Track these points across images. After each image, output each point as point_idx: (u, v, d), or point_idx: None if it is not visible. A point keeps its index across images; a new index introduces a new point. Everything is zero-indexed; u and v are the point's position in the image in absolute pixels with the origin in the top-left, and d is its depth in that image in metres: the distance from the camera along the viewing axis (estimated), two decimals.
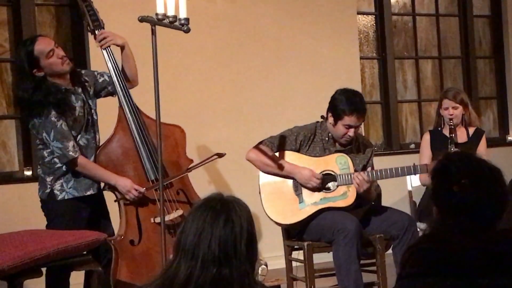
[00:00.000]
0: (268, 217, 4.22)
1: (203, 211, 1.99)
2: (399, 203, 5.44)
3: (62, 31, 5.57)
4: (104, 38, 3.99)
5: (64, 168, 3.84)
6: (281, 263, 4.64)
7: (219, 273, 1.93)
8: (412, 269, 2.12)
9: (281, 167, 4.20)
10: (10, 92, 5.35)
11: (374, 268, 4.25)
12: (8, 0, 5.37)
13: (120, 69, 4.03)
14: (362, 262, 4.19)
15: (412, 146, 6.71)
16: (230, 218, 1.97)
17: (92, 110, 3.99)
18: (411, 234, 4.12)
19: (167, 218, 3.85)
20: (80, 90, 3.94)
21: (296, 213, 4.18)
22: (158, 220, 3.83)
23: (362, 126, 4.42)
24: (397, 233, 4.15)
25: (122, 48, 4.04)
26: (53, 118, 3.75)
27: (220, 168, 5.67)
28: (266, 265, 4.71)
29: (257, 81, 5.99)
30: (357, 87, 6.38)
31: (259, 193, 4.26)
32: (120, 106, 4.01)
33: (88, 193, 3.88)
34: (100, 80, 4.07)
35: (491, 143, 6.60)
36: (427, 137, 5.05)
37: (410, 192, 5.10)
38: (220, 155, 4.09)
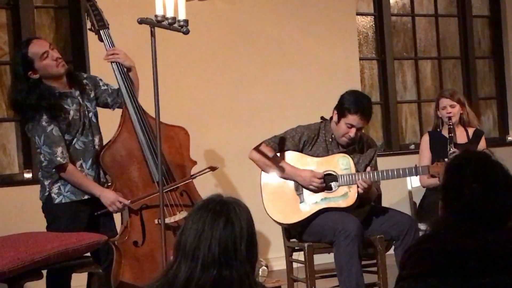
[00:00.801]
0: (269, 216, 4.22)
1: (203, 212, 1.99)
2: (399, 204, 5.44)
3: (61, 34, 5.57)
4: (113, 54, 3.99)
5: None
6: (281, 264, 4.64)
7: (220, 275, 1.93)
8: (412, 270, 2.11)
9: (282, 169, 4.21)
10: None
11: (374, 268, 4.25)
12: (7, 2, 5.37)
13: (125, 70, 4.02)
14: (362, 262, 4.19)
15: (412, 146, 6.71)
16: (230, 219, 1.97)
17: (91, 113, 3.96)
18: (413, 235, 4.12)
19: (172, 220, 3.85)
20: (77, 93, 3.93)
21: (297, 213, 4.18)
22: None
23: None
24: (398, 234, 4.15)
25: (129, 70, 4.03)
26: (43, 123, 3.75)
27: (221, 169, 5.67)
28: (267, 266, 4.71)
29: (257, 82, 5.99)
30: (357, 88, 6.37)
31: (261, 192, 4.26)
32: (125, 107, 3.99)
33: (86, 197, 3.86)
34: (103, 88, 4.05)
35: (491, 143, 6.60)
36: (426, 138, 5.05)
37: (410, 192, 5.10)
38: (213, 169, 4.08)
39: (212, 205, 2.00)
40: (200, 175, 4.08)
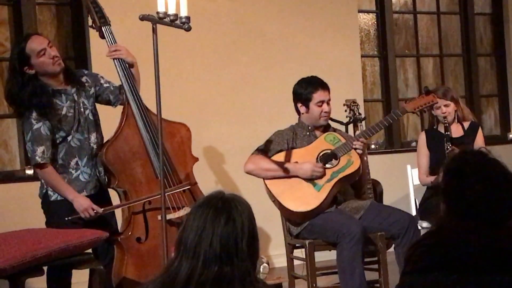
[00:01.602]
0: (292, 212, 4.17)
1: (204, 209, 1.99)
2: (400, 202, 5.44)
3: (63, 30, 5.57)
4: (116, 50, 3.99)
5: (56, 169, 3.83)
6: (282, 262, 4.65)
7: (221, 271, 1.93)
8: (416, 265, 2.11)
9: (281, 169, 4.21)
10: None
11: (375, 266, 4.25)
12: None
13: (127, 66, 4.02)
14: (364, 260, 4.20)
15: (413, 144, 6.70)
16: (231, 216, 1.97)
17: (87, 110, 3.94)
18: (412, 233, 4.12)
19: (175, 215, 3.85)
20: (73, 90, 3.91)
21: (316, 196, 4.17)
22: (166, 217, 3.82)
23: (364, 124, 4.43)
24: (398, 232, 4.14)
25: (131, 66, 4.03)
26: (32, 120, 3.76)
27: (222, 166, 5.68)
28: (268, 263, 4.71)
29: (258, 79, 5.99)
30: (358, 85, 6.39)
31: (271, 196, 4.23)
32: (128, 103, 3.99)
33: (82, 194, 3.85)
34: (105, 86, 4.04)
35: (492, 141, 6.62)
36: (423, 136, 5.06)
37: (411, 190, 5.10)
38: (192, 184, 4.03)
39: (214, 201, 1.99)
40: (179, 190, 3.98)
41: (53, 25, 5.54)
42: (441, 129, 4.86)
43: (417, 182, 5.07)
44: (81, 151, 3.89)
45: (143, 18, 3.62)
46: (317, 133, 4.38)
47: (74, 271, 3.79)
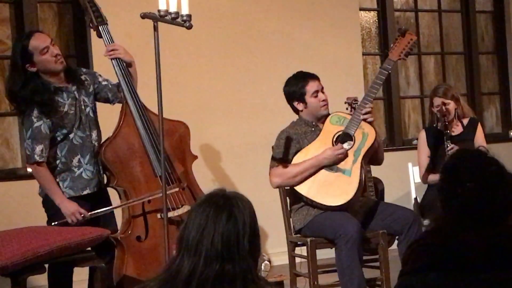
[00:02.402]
0: (335, 207, 4.12)
1: (206, 207, 1.99)
2: (401, 200, 5.44)
3: (64, 28, 5.57)
4: (113, 50, 3.99)
5: (59, 167, 3.84)
6: (284, 259, 4.65)
7: (222, 269, 1.93)
8: (414, 265, 2.12)
9: (306, 168, 4.17)
10: None
11: (377, 263, 4.25)
12: None
13: (125, 65, 4.02)
14: (365, 257, 4.20)
15: (415, 142, 6.68)
16: (233, 213, 1.97)
17: (88, 108, 3.95)
18: (416, 229, 4.12)
19: (175, 213, 3.86)
20: (74, 87, 3.92)
21: (351, 181, 4.14)
22: None
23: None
24: (401, 228, 4.14)
25: (129, 65, 4.03)
26: (33, 118, 3.75)
27: (222, 164, 5.68)
28: (269, 261, 4.72)
29: (259, 77, 5.99)
30: (360, 83, 6.39)
31: (303, 199, 4.18)
32: (126, 102, 3.99)
33: (85, 192, 3.86)
34: (103, 83, 4.05)
35: (493, 139, 6.61)
36: (422, 134, 5.07)
37: (412, 188, 5.10)
38: (182, 187, 4.02)
39: (215, 199, 2.00)
40: (170, 192, 3.94)
41: (55, 23, 5.54)
42: (441, 127, 4.85)
43: (418, 180, 5.08)
44: (84, 148, 3.89)
45: (144, 16, 3.63)
46: (321, 126, 4.34)
47: (76, 269, 3.79)
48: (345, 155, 4.16)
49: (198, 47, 5.74)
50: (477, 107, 6.83)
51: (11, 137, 5.40)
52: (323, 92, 4.31)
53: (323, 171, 4.18)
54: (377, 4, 6.74)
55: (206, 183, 5.50)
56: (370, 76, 6.71)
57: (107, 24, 4.05)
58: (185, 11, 3.53)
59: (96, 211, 3.86)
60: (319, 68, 6.16)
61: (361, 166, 4.15)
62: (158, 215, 3.91)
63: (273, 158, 4.29)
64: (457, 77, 7.11)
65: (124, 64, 4.01)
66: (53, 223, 3.77)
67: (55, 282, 3.83)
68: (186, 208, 3.92)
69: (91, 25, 4.08)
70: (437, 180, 2.28)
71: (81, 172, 3.88)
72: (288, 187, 4.33)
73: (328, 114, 4.32)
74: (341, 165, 4.17)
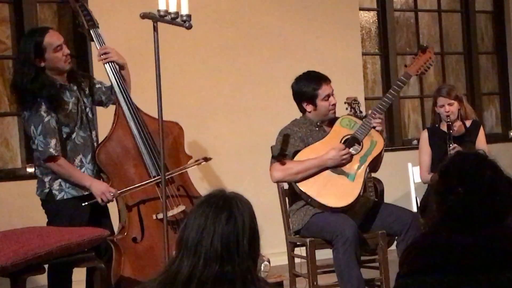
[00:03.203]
0: (334, 209, 4.12)
1: (205, 207, 1.99)
2: (401, 200, 5.44)
3: (64, 28, 5.56)
4: (106, 53, 3.99)
5: None
6: (283, 260, 4.64)
7: (222, 270, 1.93)
8: (410, 267, 2.12)
9: (310, 167, 4.16)
10: None
11: (376, 264, 4.25)
12: None
13: (118, 68, 4.03)
14: (364, 258, 4.20)
15: (415, 142, 6.69)
16: (232, 214, 1.97)
17: (87, 108, 3.98)
18: (415, 230, 4.12)
19: (169, 214, 3.85)
20: (75, 87, 3.94)
21: (354, 186, 4.14)
22: (160, 216, 3.83)
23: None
24: (400, 228, 4.14)
25: (122, 68, 4.04)
26: (42, 112, 3.75)
27: (221, 164, 5.67)
28: (269, 262, 4.70)
29: (259, 77, 5.99)
30: (359, 83, 6.39)
31: (308, 199, 4.16)
32: (119, 104, 4.01)
33: (87, 192, 3.87)
34: (97, 86, 4.09)
35: (493, 139, 6.61)
36: (425, 134, 5.07)
37: (412, 189, 5.10)
38: (207, 159, 4.07)
39: (215, 200, 2.00)
40: (193, 166, 4.07)
41: (54, 23, 5.54)
42: (444, 127, 4.85)
43: (418, 180, 5.07)
44: (85, 148, 3.91)
45: (144, 16, 3.63)
46: (325, 127, 4.33)
47: (74, 269, 3.79)
48: (350, 159, 4.16)
49: (197, 47, 5.74)
50: (476, 108, 6.82)
51: (10, 137, 5.40)
52: (333, 96, 4.30)
53: (327, 171, 4.18)
54: (377, 4, 6.74)
55: (205, 183, 5.52)
56: (370, 76, 6.71)
57: (98, 27, 4.05)
58: (184, 11, 3.53)
59: (125, 189, 3.89)
60: (318, 67, 6.15)
61: (365, 173, 4.16)
62: (154, 216, 3.92)
63: (275, 153, 4.27)
64: (457, 77, 7.11)
65: (117, 67, 4.02)
66: (83, 204, 3.80)
67: (55, 282, 3.83)
68: (181, 208, 3.93)
69: (82, 29, 4.10)
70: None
71: (83, 172, 3.89)
72: (287, 187, 4.33)
73: (335, 118, 4.32)
74: (346, 168, 4.17)
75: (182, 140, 4.15)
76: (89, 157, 3.91)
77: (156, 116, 3.70)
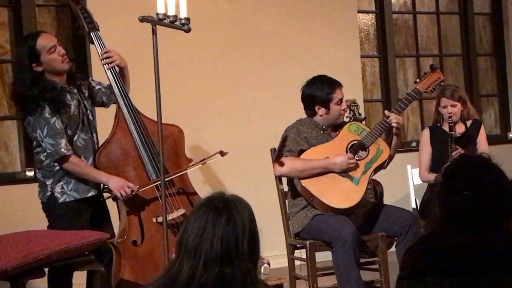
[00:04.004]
0: (335, 209, 4.13)
1: (205, 210, 1.99)
2: (400, 202, 5.44)
3: (63, 32, 5.57)
4: (109, 57, 3.99)
5: (63, 170, 3.84)
6: (283, 262, 4.64)
7: (222, 272, 1.94)
8: (411, 269, 2.12)
9: (315, 167, 4.17)
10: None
11: (376, 266, 4.25)
12: (9, 1, 5.38)
13: (118, 70, 4.03)
14: (364, 260, 4.20)
15: (414, 144, 6.71)
16: (232, 217, 1.97)
17: (88, 111, 3.98)
18: (415, 231, 4.13)
19: (169, 217, 3.85)
20: (75, 90, 3.94)
21: (357, 191, 4.16)
22: (160, 219, 3.83)
23: (364, 123, 4.44)
24: (400, 229, 4.15)
25: (122, 69, 4.04)
26: (47, 115, 3.75)
27: (221, 166, 5.67)
28: (269, 264, 4.71)
29: (258, 80, 5.99)
30: (358, 86, 6.39)
31: (310, 198, 4.17)
32: (119, 107, 4.01)
33: (89, 194, 3.87)
34: (97, 88, 4.09)
35: (492, 141, 6.60)
36: (426, 133, 5.06)
37: (411, 190, 5.10)
38: (223, 154, 4.09)
39: (214, 202, 2.00)
40: (210, 160, 4.09)
41: (53, 27, 5.54)
42: (445, 127, 4.84)
43: (417, 182, 5.07)
44: (87, 150, 3.91)
45: (142, 19, 3.63)
46: (330, 131, 4.34)
47: (74, 273, 3.79)
48: (356, 165, 4.19)
49: (196, 50, 5.74)
50: (475, 109, 6.82)
51: (10, 140, 5.40)
52: (344, 100, 4.34)
53: (332, 174, 4.20)
54: (375, 7, 6.74)
55: (205, 186, 5.52)
56: (369, 78, 6.72)
57: (98, 30, 4.05)
58: (183, 14, 3.54)
59: (145, 184, 3.89)
60: (317, 70, 6.15)
61: (369, 179, 4.18)
62: (154, 219, 3.92)
63: (281, 147, 4.27)
64: (456, 79, 7.11)
65: (117, 70, 4.02)
66: (101, 199, 3.86)
67: (55, 286, 3.83)
68: (181, 211, 3.93)
69: (82, 32, 4.09)
70: (437, 180, 2.29)
71: None
72: (287, 190, 4.33)
73: (344, 123, 4.35)
74: (351, 172, 4.20)
75: (182, 143, 4.15)
76: (90, 159, 3.92)
77: (156, 119, 3.70)
